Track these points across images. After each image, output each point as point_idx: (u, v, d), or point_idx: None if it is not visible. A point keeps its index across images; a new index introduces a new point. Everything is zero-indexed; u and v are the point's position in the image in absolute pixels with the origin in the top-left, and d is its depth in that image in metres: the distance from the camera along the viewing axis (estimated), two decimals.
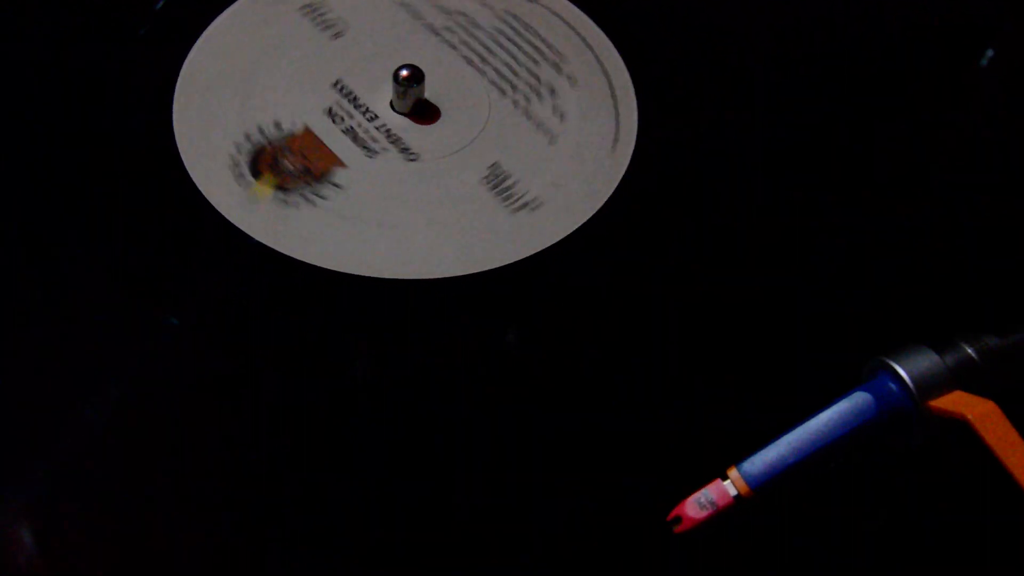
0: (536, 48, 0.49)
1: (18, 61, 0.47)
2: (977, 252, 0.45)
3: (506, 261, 0.43)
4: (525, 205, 0.45)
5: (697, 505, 0.36)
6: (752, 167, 0.47)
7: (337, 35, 0.49)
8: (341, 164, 0.44)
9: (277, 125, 0.45)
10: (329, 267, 0.42)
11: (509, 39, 0.49)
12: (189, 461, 0.38)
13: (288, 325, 0.41)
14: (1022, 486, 0.35)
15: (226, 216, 0.43)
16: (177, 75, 0.47)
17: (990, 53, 0.51)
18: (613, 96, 0.48)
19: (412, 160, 0.45)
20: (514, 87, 0.48)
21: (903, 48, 0.51)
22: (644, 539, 0.37)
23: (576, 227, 0.44)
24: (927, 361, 0.37)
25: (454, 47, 0.49)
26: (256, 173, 0.43)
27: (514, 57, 0.49)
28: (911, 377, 0.37)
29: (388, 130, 0.46)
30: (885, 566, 0.38)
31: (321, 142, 0.45)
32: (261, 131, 0.45)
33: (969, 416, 0.36)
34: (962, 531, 0.38)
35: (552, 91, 0.48)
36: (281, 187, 0.43)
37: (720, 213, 0.45)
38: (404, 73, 0.46)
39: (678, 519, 0.36)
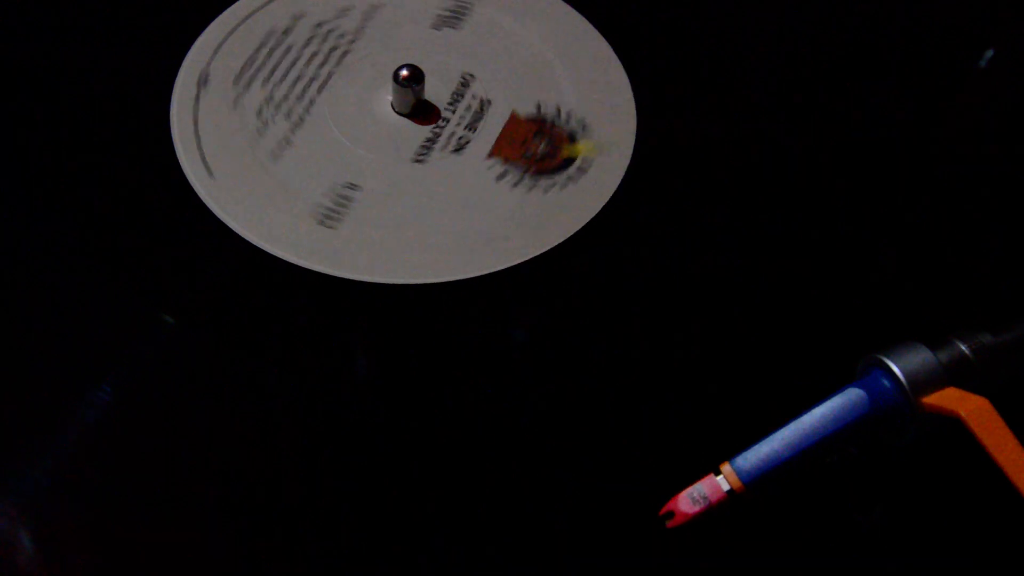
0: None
1: (17, 60, 0.47)
2: (972, 250, 0.45)
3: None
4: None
5: (690, 500, 0.36)
6: (750, 165, 0.47)
7: None
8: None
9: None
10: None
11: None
12: (187, 462, 0.39)
13: (303, 331, 0.42)
14: (1014, 482, 0.35)
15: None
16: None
17: (990, 53, 0.51)
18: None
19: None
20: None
21: (901, 48, 0.51)
22: (637, 534, 0.37)
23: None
24: (921, 358, 0.37)
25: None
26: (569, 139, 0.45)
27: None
28: (904, 374, 0.37)
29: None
30: (877, 561, 0.38)
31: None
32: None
33: (962, 413, 0.36)
34: (954, 527, 0.38)
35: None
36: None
37: (716, 211, 0.45)
38: (404, 73, 0.46)
39: (671, 514, 0.36)
